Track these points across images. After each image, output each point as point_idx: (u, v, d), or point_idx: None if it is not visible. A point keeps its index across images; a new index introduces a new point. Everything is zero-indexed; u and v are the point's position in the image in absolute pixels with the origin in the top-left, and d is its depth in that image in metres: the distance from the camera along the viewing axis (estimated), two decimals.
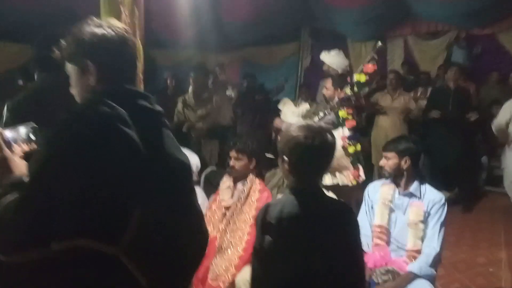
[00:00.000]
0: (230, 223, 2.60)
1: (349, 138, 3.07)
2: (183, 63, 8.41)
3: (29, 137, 1.31)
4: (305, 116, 3.35)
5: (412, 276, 2.09)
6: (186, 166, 1.29)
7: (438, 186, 4.75)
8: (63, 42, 1.22)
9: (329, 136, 1.43)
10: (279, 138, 1.48)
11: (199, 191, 2.94)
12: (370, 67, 3.13)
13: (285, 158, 1.45)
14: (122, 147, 1.05)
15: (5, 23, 6.00)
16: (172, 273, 1.19)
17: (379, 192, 2.37)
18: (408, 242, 2.21)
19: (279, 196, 2.63)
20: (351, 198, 3.11)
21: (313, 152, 1.40)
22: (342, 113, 3.10)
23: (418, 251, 2.18)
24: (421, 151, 2.58)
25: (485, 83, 6.26)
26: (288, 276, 1.41)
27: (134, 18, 1.85)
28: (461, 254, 3.61)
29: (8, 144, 1.22)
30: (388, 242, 2.28)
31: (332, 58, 4.01)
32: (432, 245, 2.17)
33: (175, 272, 1.20)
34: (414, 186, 2.30)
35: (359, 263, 1.48)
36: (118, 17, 1.77)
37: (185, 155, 1.32)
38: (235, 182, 2.75)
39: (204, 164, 3.49)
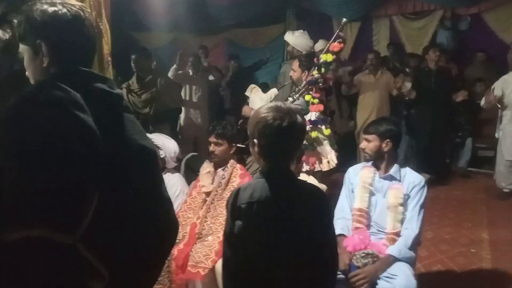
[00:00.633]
0: (210, 209, 2.57)
1: (312, 122, 3.00)
2: (167, 46, 8.27)
3: None
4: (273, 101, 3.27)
5: (392, 259, 2.08)
6: (150, 151, 1.23)
7: (421, 167, 4.84)
8: (15, 21, 1.15)
9: (298, 117, 1.38)
10: (249, 121, 1.42)
11: (179, 177, 2.88)
12: (337, 46, 3.05)
13: (255, 141, 1.41)
14: (75, 132, 0.99)
15: None
16: (135, 263, 1.15)
17: (359, 176, 2.34)
18: (387, 225, 2.20)
19: None
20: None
21: (282, 133, 1.35)
22: (308, 97, 3.03)
23: (397, 234, 2.17)
24: (401, 133, 2.56)
25: (470, 63, 6.25)
26: (259, 260, 1.38)
27: None
28: (443, 235, 3.64)
29: None
30: (368, 226, 2.26)
31: (296, 39, 3.94)
32: (411, 227, 2.16)
33: (139, 262, 1.16)
34: (394, 169, 2.28)
35: (331, 246, 1.46)
36: None
37: (149, 140, 1.27)
38: (215, 167, 2.71)
39: None
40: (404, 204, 2.20)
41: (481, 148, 5.54)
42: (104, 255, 1.04)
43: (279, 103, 1.43)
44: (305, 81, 3.04)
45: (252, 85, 3.61)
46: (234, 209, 1.43)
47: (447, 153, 5.46)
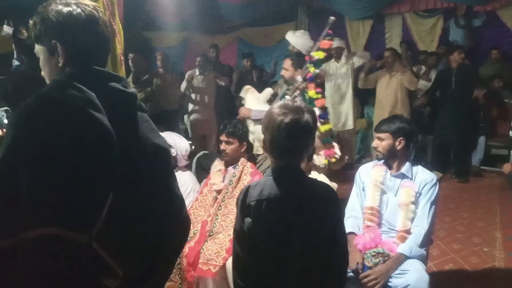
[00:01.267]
0: (221, 207, 2.58)
1: (320, 117, 3.00)
2: (178, 45, 8.32)
3: (2, 121, 1.27)
4: (270, 101, 3.26)
5: (403, 258, 2.07)
6: (163, 150, 1.25)
7: (437, 164, 4.77)
8: (30, 22, 1.17)
9: (305, 115, 1.38)
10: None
11: (190, 175, 2.90)
12: (326, 43, 3.04)
13: (266, 137, 1.42)
14: (91, 131, 1.01)
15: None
16: (148, 260, 1.16)
17: (370, 174, 2.33)
18: (398, 223, 2.19)
19: None
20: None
21: (284, 129, 1.35)
22: (312, 93, 3.02)
23: (408, 231, 2.15)
24: (415, 131, 2.53)
25: (484, 61, 6.16)
26: (268, 257, 1.39)
27: None
28: (456, 233, 3.61)
29: None
30: (379, 224, 2.25)
31: (297, 39, 3.93)
32: (422, 224, 2.14)
33: (151, 259, 1.17)
34: (406, 167, 2.26)
35: (341, 244, 1.45)
36: None
37: (162, 138, 1.28)
38: (226, 165, 2.73)
39: None
40: (415, 202, 2.18)
41: (494, 147, 5.47)
42: (118, 253, 1.05)
43: (289, 101, 1.44)
44: (302, 78, 3.04)
45: (247, 86, 3.60)
46: (244, 206, 1.43)
47: (468, 152, 5.38)
